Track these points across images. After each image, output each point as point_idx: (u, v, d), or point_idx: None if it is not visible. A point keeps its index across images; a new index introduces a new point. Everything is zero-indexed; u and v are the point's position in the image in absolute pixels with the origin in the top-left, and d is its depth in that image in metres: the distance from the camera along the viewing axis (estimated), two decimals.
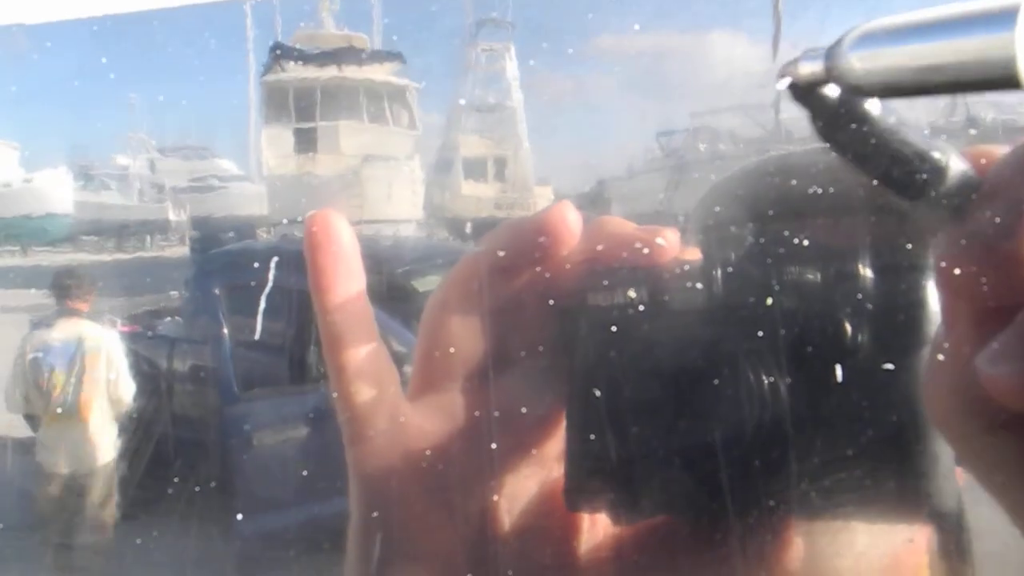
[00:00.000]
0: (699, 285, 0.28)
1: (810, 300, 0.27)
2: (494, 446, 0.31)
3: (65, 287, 3.50)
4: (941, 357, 0.24)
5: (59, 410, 3.39)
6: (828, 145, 0.24)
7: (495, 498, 0.31)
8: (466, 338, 0.31)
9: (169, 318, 4.94)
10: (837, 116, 0.24)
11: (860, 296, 0.27)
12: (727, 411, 0.27)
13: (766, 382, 0.27)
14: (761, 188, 0.43)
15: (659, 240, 0.29)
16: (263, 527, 3.40)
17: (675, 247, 0.29)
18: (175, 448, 4.05)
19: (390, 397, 0.31)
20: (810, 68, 0.24)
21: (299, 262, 0.31)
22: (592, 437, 0.29)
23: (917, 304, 0.27)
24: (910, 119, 0.24)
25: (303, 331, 3.38)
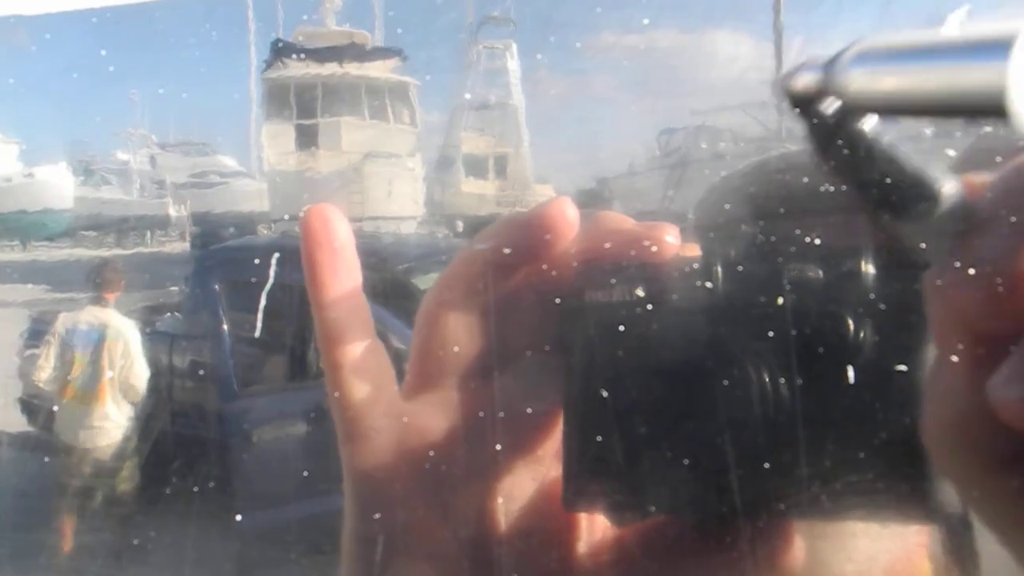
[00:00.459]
0: (700, 282, 0.28)
1: (814, 298, 0.27)
2: (492, 445, 0.30)
3: (100, 277, 3.86)
4: (936, 388, 0.24)
5: (78, 389, 3.74)
6: (822, 160, 0.24)
7: (492, 497, 0.31)
8: (463, 335, 0.30)
9: (168, 314, 4.94)
10: (833, 130, 0.24)
11: (864, 294, 0.27)
12: (728, 410, 0.27)
13: (768, 381, 0.27)
14: (764, 186, 0.43)
15: (659, 237, 0.29)
16: (262, 524, 3.40)
17: (675, 244, 0.29)
18: (174, 445, 4.06)
19: (386, 395, 0.31)
20: (808, 79, 0.24)
21: (299, 258, 0.30)
22: (590, 436, 0.29)
23: (920, 300, 0.26)
24: (913, 128, 0.24)
25: (303, 328, 3.38)
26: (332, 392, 0.30)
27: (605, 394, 0.28)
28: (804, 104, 0.24)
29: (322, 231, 0.30)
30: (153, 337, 4.16)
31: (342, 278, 0.30)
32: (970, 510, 0.25)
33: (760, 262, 0.28)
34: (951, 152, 0.26)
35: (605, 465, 0.29)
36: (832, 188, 0.26)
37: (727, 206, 0.43)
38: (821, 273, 0.27)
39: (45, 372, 3.79)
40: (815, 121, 0.24)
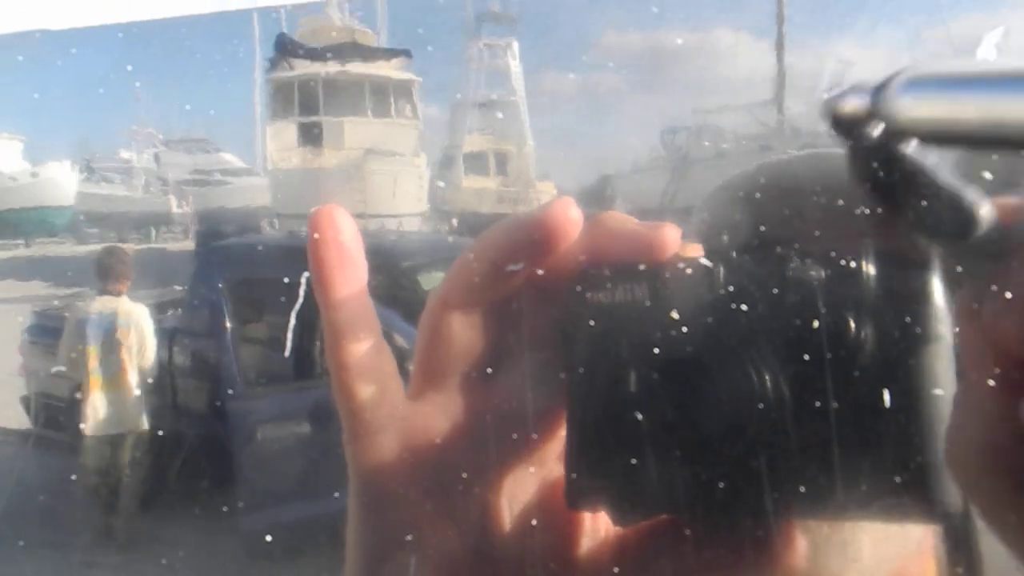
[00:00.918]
0: (701, 282, 0.28)
1: (814, 296, 0.27)
2: (496, 445, 0.30)
3: (108, 269, 4.04)
4: (966, 412, 0.24)
5: (99, 378, 3.94)
6: (860, 182, 0.24)
7: (496, 497, 0.31)
8: (467, 336, 0.30)
9: (172, 311, 4.94)
10: (875, 154, 0.24)
11: (865, 294, 0.27)
12: (729, 409, 0.27)
13: (769, 381, 0.27)
14: (765, 186, 0.43)
15: (661, 237, 0.29)
16: (265, 521, 3.41)
17: (676, 243, 0.29)
18: (177, 443, 4.06)
19: (390, 394, 0.31)
20: (856, 104, 0.24)
21: (303, 257, 0.30)
22: (593, 436, 0.29)
23: (922, 300, 0.26)
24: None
25: (307, 326, 3.38)
26: (338, 391, 0.31)
27: (608, 394, 0.29)
28: (848, 127, 0.24)
29: (329, 232, 0.30)
30: (156, 333, 4.16)
31: (348, 279, 0.30)
32: (999, 535, 0.25)
33: (761, 262, 0.28)
34: (987, 175, 0.26)
35: (607, 465, 0.29)
36: (834, 188, 0.26)
37: (729, 205, 0.43)
38: (822, 273, 0.27)
39: (65, 364, 3.97)
40: (858, 144, 0.24)
